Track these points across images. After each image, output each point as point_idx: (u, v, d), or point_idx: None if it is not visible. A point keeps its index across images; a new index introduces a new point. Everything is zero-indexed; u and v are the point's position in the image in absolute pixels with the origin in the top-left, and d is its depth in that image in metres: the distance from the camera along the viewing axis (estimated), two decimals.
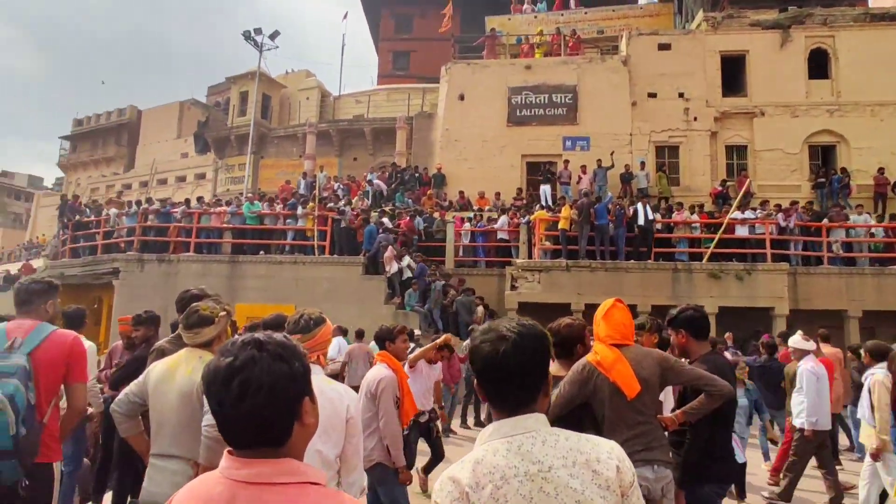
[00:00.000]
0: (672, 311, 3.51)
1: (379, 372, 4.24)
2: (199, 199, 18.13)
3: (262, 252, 16.29)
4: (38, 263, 26.18)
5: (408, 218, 17.21)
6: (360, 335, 11.21)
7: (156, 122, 42.22)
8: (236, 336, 1.28)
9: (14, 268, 32.30)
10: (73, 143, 45.85)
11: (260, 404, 1.11)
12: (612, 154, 19.22)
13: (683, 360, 3.40)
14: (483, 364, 1.50)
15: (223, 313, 3.00)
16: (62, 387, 2.90)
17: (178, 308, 3.43)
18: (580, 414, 2.83)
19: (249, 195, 18.78)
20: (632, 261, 15.00)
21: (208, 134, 29.25)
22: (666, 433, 3.13)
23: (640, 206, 15.39)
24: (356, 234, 16.01)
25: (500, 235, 16.59)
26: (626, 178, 19.24)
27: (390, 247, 15.41)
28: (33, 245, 39.64)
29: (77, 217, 18.60)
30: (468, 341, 4.79)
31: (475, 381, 1.55)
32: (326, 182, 21.92)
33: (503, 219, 16.83)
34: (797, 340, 6.65)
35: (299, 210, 16.16)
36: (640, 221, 15.08)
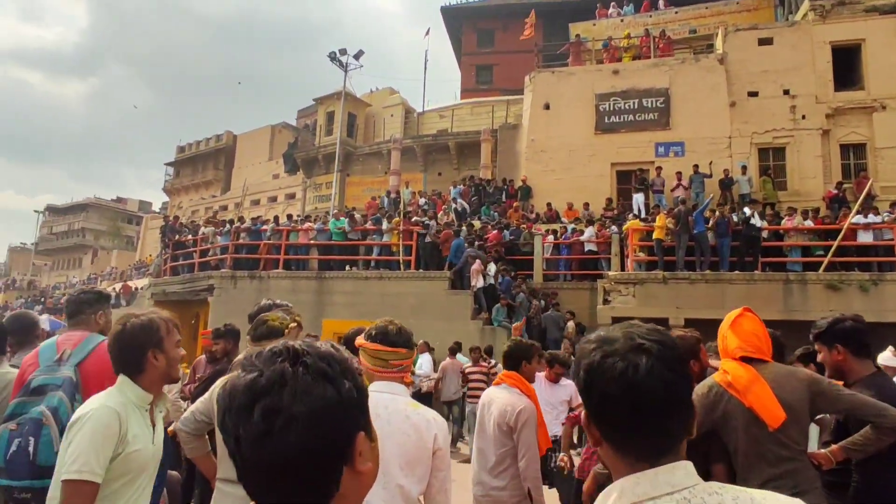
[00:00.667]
0: (820, 322, 2.95)
1: (516, 400, 3.56)
2: (289, 216, 18.56)
3: (348, 267, 16.40)
4: (143, 282, 27.77)
5: (496, 231, 16.91)
6: (453, 351, 10.97)
7: (249, 146, 44.20)
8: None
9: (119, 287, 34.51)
10: (177, 169, 48.82)
11: (292, 443, 0.80)
12: (710, 164, 18.21)
13: (839, 382, 2.81)
14: (619, 388, 1.06)
15: (293, 324, 2.76)
16: None
17: (249, 320, 3.25)
18: (706, 446, 2.37)
19: (335, 212, 19.00)
20: (736, 272, 13.98)
21: (297, 154, 30.19)
22: (819, 473, 2.56)
23: (748, 210, 14.39)
24: (441, 249, 15.87)
25: (587, 247, 16.09)
26: (727, 183, 18.15)
27: (478, 260, 15.16)
28: (142, 265, 42.37)
29: (176, 237, 19.49)
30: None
31: (585, 416, 1.12)
32: (411, 197, 22.00)
33: (590, 230, 16.30)
34: (887, 357, 5.67)
35: (384, 225, 16.13)
36: (758, 223, 14.04)
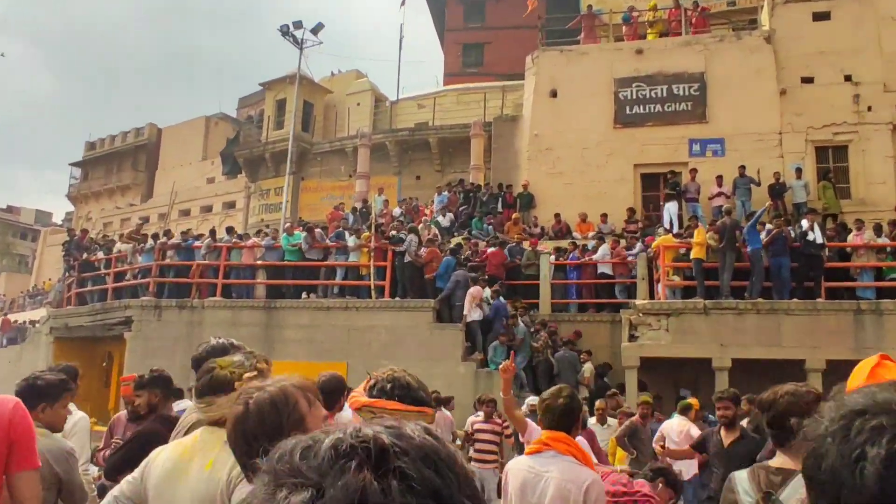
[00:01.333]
0: None
1: (578, 472, 3.31)
2: (228, 230, 18.22)
3: (305, 295, 16.09)
4: (40, 313, 27.07)
5: (494, 248, 16.73)
6: (442, 402, 10.72)
7: (178, 142, 43.88)
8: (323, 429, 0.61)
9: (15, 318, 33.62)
10: (85, 171, 48.19)
11: None
12: (758, 172, 18.20)
13: None
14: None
15: (251, 374, 2.42)
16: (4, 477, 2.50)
17: (193, 366, 2.94)
18: None
19: (288, 225, 18.69)
20: (794, 300, 13.87)
21: (238, 153, 29.90)
22: None
23: (805, 222, 14.30)
24: (424, 272, 15.64)
25: (600, 269, 16.00)
26: (778, 190, 18.19)
27: (475, 286, 14.95)
28: (38, 292, 41.42)
29: (84, 256, 19.00)
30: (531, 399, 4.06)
31: None
32: (384, 207, 21.80)
33: (603, 248, 16.22)
34: None
35: (350, 241, 15.86)
36: (819, 240, 13.96)
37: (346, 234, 16.31)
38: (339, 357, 14.95)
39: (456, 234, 19.39)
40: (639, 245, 16.10)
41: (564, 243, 17.55)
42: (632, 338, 14.32)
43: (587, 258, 16.24)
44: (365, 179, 23.87)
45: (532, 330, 14.56)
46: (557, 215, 19.37)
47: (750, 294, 14.22)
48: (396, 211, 21.71)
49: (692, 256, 14.42)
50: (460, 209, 20.60)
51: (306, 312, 15.72)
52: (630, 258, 15.84)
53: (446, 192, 21.52)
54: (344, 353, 15.03)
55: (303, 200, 27.52)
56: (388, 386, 2.24)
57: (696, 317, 14.08)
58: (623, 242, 16.84)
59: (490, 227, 19.40)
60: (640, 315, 14.36)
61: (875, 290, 14.21)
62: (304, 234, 16.63)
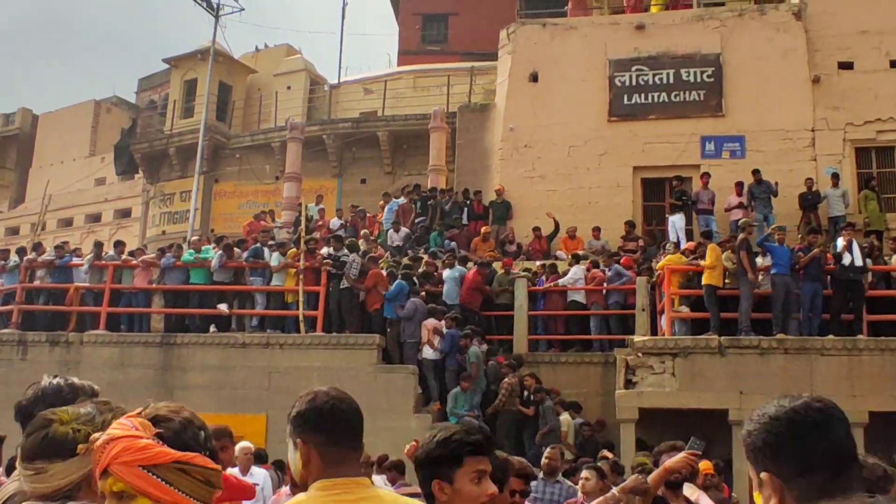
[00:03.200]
0: None
1: None
2: (117, 244, 17.88)
3: (213, 328, 15.81)
4: None
5: (476, 267, 16.70)
6: (394, 468, 10.69)
7: (59, 133, 43.20)
8: None
9: None
10: None
11: None
12: (775, 184, 18.37)
13: None
14: None
15: (98, 436, 2.20)
16: None
17: (17, 417, 2.73)
18: None
19: (195, 238, 18.45)
20: (830, 336, 13.95)
21: (136, 147, 29.44)
22: None
23: (840, 241, 14.41)
24: (366, 301, 15.53)
25: (571, 297, 16.10)
26: (810, 200, 18.36)
27: (432, 318, 15.02)
28: None
29: None
30: None
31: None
32: (319, 218, 21.68)
33: (576, 270, 16.32)
34: None
35: (273, 260, 15.68)
36: (857, 262, 14.06)
37: (267, 251, 16.08)
38: (257, 408, 14.83)
39: (410, 252, 19.29)
40: (616, 266, 16.16)
41: (539, 263, 17.64)
42: (629, 384, 14.23)
43: (551, 282, 16.37)
44: (295, 182, 23.70)
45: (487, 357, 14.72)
46: (536, 229, 19.33)
47: (776, 328, 14.27)
48: (335, 222, 21.58)
49: (704, 283, 14.43)
50: (416, 221, 20.48)
51: (215, 350, 15.47)
52: (619, 282, 15.91)
53: (400, 199, 21.43)
54: (264, 403, 14.85)
55: (216, 208, 27.25)
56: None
57: (710, 357, 14.01)
58: (619, 261, 16.89)
59: (453, 243, 19.32)
60: (640, 355, 14.29)
61: None
62: (215, 249, 16.41)
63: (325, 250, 16.08)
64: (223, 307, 15.61)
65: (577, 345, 16.22)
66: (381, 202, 21.90)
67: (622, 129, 20.47)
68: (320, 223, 21.42)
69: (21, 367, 16.06)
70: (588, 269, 16.32)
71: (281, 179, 25.32)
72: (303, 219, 17.34)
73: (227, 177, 27.78)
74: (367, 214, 21.74)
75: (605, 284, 16.11)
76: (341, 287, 15.42)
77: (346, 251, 15.81)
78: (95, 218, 38.77)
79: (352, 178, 26.48)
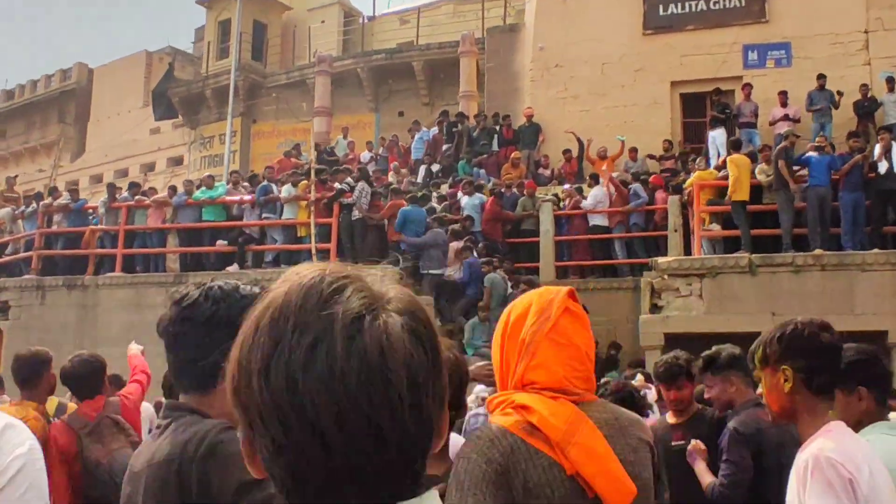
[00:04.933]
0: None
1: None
2: (131, 185, 17.64)
3: (230, 266, 15.50)
4: None
5: (490, 196, 16.21)
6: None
7: (113, 86, 43.44)
8: None
9: None
10: (2, 126, 48.02)
11: None
12: (838, 94, 17.15)
13: None
14: None
15: None
16: None
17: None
18: None
19: (206, 175, 18.14)
20: (875, 250, 12.97)
21: (173, 90, 29.22)
22: None
23: (878, 147, 13.40)
24: (385, 230, 15.04)
25: (593, 222, 15.41)
26: (866, 107, 17.20)
27: (454, 244, 14.52)
28: None
29: None
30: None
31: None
32: (349, 152, 21.22)
33: (597, 191, 15.56)
34: None
35: (283, 192, 15.21)
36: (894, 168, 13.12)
37: (275, 186, 15.63)
38: None
39: (438, 181, 18.73)
40: (637, 186, 15.28)
41: (567, 187, 16.95)
42: (654, 308, 13.51)
43: (573, 205, 15.72)
44: (325, 117, 23.25)
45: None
46: (567, 151, 18.63)
47: (813, 244, 13.36)
48: (365, 156, 21.08)
49: (731, 199, 13.53)
50: (446, 149, 19.83)
51: None
52: (633, 204, 15.18)
53: (431, 129, 20.79)
54: None
55: (255, 148, 26.99)
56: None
57: (740, 277, 13.22)
58: (655, 180, 16.09)
59: (482, 171, 18.67)
60: (666, 278, 13.49)
61: None
62: (227, 185, 16.07)
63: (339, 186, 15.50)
64: (222, 243, 15.23)
65: (601, 270, 15.54)
66: (413, 133, 21.29)
67: (658, 43, 19.49)
68: (350, 157, 20.94)
69: (40, 312, 16.19)
70: (612, 187, 15.48)
71: (312, 115, 24.86)
72: (311, 150, 16.82)
73: (265, 116, 27.47)
74: (400, 144, 21.13)
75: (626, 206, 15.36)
76: (353, 218, 14.84)
77: (352, 180, 15.20)
78: (150, 167, 39.07)
79: (389, 112, 25.86)
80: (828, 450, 2.47)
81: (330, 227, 15.01)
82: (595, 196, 15.45)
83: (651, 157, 18.09)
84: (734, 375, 4.67)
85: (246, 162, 26.34)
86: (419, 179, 19.11)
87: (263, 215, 15.68)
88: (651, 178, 15.86)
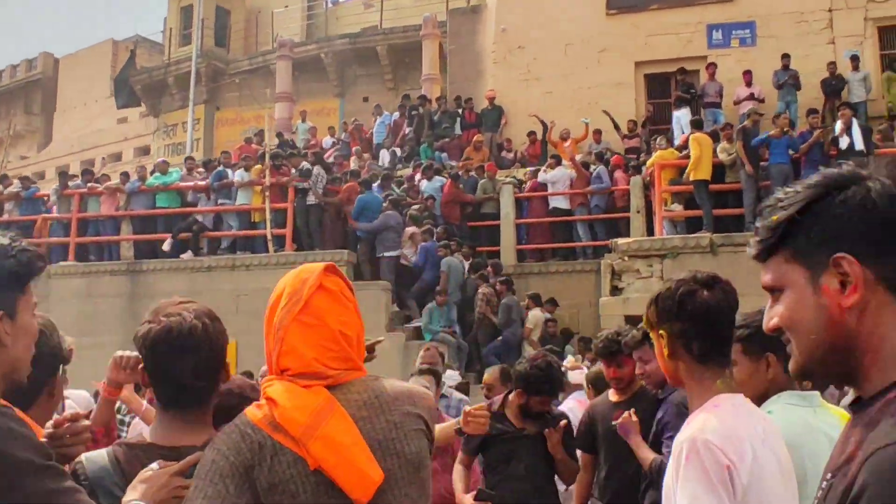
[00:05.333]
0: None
1: None
2: (84, 172, 17.28)
3: (184, 253, 15.16)
4: None
5: (448, 179, 15.90)
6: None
7: (79, 75, 42.93)
8: None
9: None
10: None
11: None
12: (795, 75, 16.99)
13: None
14: None
15: None
16: None
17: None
18: None
19: (160, 160, 17.81)
20: None
21: (134, 78, 28.73)
22: None
23: (839, 124, 13.19)
24: (343, 215, 14.75)
25: (553, 204, 15.13)
26: (833, 86, 17.04)
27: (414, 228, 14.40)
28: None
29: None
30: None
31: None
32: (310, 136, 20.91)
33: (559, 171, 15.27)
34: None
35: (236, 177, 14.88)
36: (857, 146, 12.89)
37: (230, 172, 15.30)
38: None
39: (400, 167, 18.47)
40: (600, 168, 15.05)
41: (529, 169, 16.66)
42: (614, 291, 13.28)
43: (532, 186, 15.46)
44: (287, 103, 22.92)
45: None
46: (531, 133, 18.41)
47: None
48: (327, 141, 20.78)
49: (691, 177, 13.36)
50: (408, 133, 19.55)
51: (182, 275, 14.84)
52: (594, 187, 14.88)
53: (393, 113, 20.48)
54: (232, 329, 13.92)
55: (219, 136, 26.58)
56: None
57: (701, 258, 12.88)
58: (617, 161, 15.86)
59: (443, 155, 18.40)
60: (625, 259, 13.27)
61: None
62: (184, 171, 15.74)
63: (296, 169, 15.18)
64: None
65: (563, 253, 15.30)
66: (376, 116, 21.03)
67: (622, 23, 19.24)
68: (312, 143, 20.64)
69: None
70: (574, 168, 15.25)
71: (274, 99, 24.51)
72: (266, 132, 16.51)
73: (228, 103, 27.10)
74: (363, 129, 20.83)
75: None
76: (307, 204, 14.52)
77: (308, 164, 14.87)
78: (117, 157, 38.54)
79: (354, 97, 25.58)
80: (708, 431, 2.25)
81: (286, 213, 14.72)
82: (555, 177, 15.16)
83: (616, 128, 17.81)
84: None
85: (210, 149, 25.91)
86: (383, 164, 18.84)
87: (219, 201, 15.33)
88: (612, 159, 15.60)
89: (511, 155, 18.40)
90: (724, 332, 2.53)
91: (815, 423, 2.58)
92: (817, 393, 2.76)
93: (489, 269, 14.37)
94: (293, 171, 14.72)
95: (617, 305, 13.00)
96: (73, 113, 42.31)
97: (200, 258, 14.97)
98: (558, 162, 15.51)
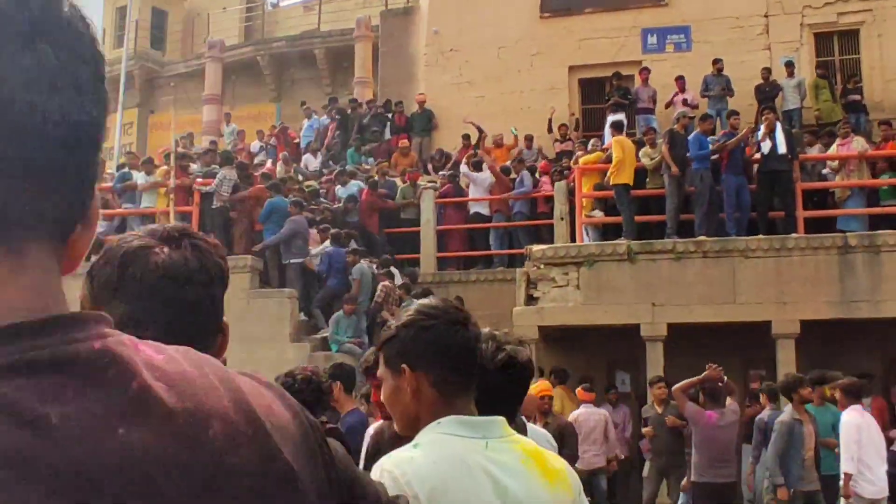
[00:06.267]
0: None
1: None
2: None
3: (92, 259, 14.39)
4: None
5: (365, 187, 15.30)
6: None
7: None
8: None
9: None
10: None
11: None
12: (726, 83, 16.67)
13: None
14: None
15: None
16: None
17: None
18: None
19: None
20: (759, 236, 12.39)
21: None
22: None
23: (762, 128, 12.80)
24: (251, 219, 14.10)
25: (473, 209, 14.78)
26: (767, 92, 16.76)
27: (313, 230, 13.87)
28: None
29: None
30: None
31: None
32: (237, 139, 20.29)
33: (482, 176, 14.89)
34: None
35: (139, 179, 14.19)
36: (780, 150, 12.47)
37: (136, 173, 14.64)
38: None
39: (325, 172, 17.87)
40: (523, 173, 14.56)
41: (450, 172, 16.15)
42: (530, 300, 12.72)
43: (445, 190, 15.04)
44: (215, 105, 22.29)
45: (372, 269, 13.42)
46: (466, 137, 17.82)
47: (699, 228, 12.73)
48: (255, 145, 20.17)
49: (611, 181, 12.86)
50: (334, 137, 18.99)
51: (77, 283, 13.96)
52: (517, 192, 14.45)
53: (322, 117, 19.90)
54: None
55: (153, 140, 25.75)
56: None
57: (618, 266, 12.48)
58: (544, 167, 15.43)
59: (371, 159, 17.83)
60: (542, 267, 12.71)
61: (866, 220, 12.98)
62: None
63: (194, 167, 14.52)
64: None
65: (484, 261, 14.72)
66: (304, 120, 20.44)
67: (556, 26, 18.89)
68: (240, 146, 20.01)
69: None
70: (493, 172, 14.73)
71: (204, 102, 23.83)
72: (172, 130, 15.84)
73: (163, 107, 26.30)
74: (288, 131, 20.22)
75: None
76: (213, 207, 13.84)
77: (217, 166, 14.21)
78: None
79: (291, 102, 24.91)
80: None
81: (191, 217, 14.03)
82: (479, 179, 14.64)
83: (549, 130, 17.37)
84: None
85: (143, 154, 25.16)
86: (307, 168, 18.22)
87: (123, 205, 14.62)
88: (540, 165, 15.12)
89: (440, 160, 17.82)
90: None
91: (476, 460, 1.93)
92: (500, 420, 2.10)
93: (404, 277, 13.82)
94: (194, 167, 14.11)
95: (531, 315, 12.46)
96: None
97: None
98: (479, 168, 14.97)
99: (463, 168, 15.00)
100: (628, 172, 12.90)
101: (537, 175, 15.12)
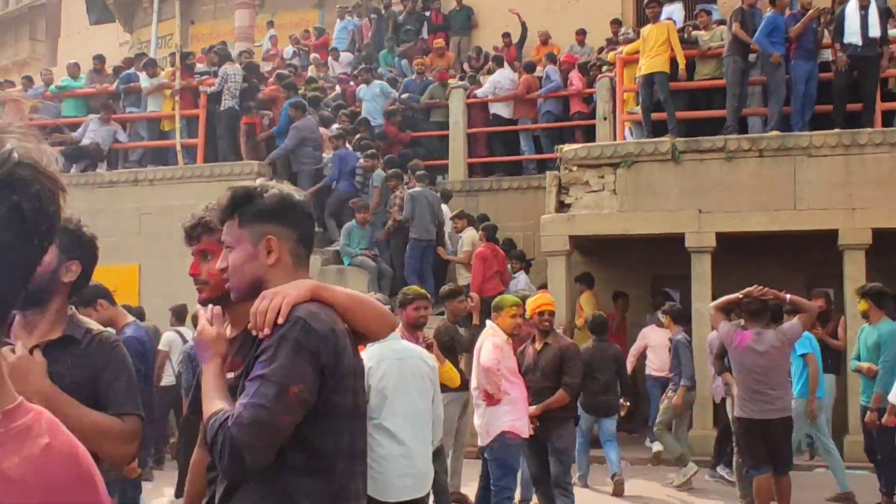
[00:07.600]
0: None
1: None
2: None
3: (76, 168, 13.53)
4: None
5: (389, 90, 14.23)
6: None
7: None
8: None
9: None
10: None
11: None
12: None
13: None
14: None
15: None
16: None
17: None
18: None
19: (70, 63, 16.35)
20: (824, 131, 10.72)
21: None
22: None
23: (851, 6, 10.79)
24: (256, 128, 13.07)
25: (494, 111, 13.34)
26: None
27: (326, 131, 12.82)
28: None
29: None
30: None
31: None
32: (272, 46, 19.19)
33: (501, 74, 13.37)
34: None
35: (144, 81, 13.17)
36: (873, 32, 10.66)
37: (141, 75, 13.65)
38: (128, 256, 12.60)
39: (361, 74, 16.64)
40: (549, 68, 13.00)
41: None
42: (561, 206, 11.34)
43: (472, 92, 13.55)
44: (248, 10, 21.02)
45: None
46: (506, 35, 16.45)
47: (765, 124, 11.28)
48: (289, 50, 18.99)
49: (645, 70, 11.31)
50: (368, 40, 17.75)
51: (83, 192, 13.17)
52: (545, 90, 12.98)
53: (354, 18, 18.58)
54: (135, 252, 12.60)
55: (195, 51, 24.76)
56: None
57: (661, 167, 11.05)
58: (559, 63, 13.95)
59: (404, 61, 16.50)
60: (574, 170, 11.28)
61: None
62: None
63: (200, 67, 13.44)
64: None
65: (511, 167, 13.58)
66: (337, 19, 19.25)
67: None
68: (273, 52, 18.92)
69: None
70: (518, 70, 13.30)
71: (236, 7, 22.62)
72: (176, 32, 14.79)
73: (203, 17, 25.20)
74: (326, 36, 19.02)
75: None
76: (221, 109, 12.73)
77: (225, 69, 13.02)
78: None
79: (334, 9, 23.47)
80: None
81: (198, 121, 13.09)
82: (494, 82, 13.19)
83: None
84: None
85: None
86: (341, 71, 17.03)
87: (128, 109, 13.66)
88: (564, 57, 13.55)
89: (479, 60, 16.41)
90: None
91: None
92: None
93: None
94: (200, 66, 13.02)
95: (560, 224, 11.13)
96: (77, 38, 40.83)
97: (102, 172, 13.39)
98: (500, 64, 13.51)
99: (479, 92, 13.57)
100: (664, 60, 11.27)
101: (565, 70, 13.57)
